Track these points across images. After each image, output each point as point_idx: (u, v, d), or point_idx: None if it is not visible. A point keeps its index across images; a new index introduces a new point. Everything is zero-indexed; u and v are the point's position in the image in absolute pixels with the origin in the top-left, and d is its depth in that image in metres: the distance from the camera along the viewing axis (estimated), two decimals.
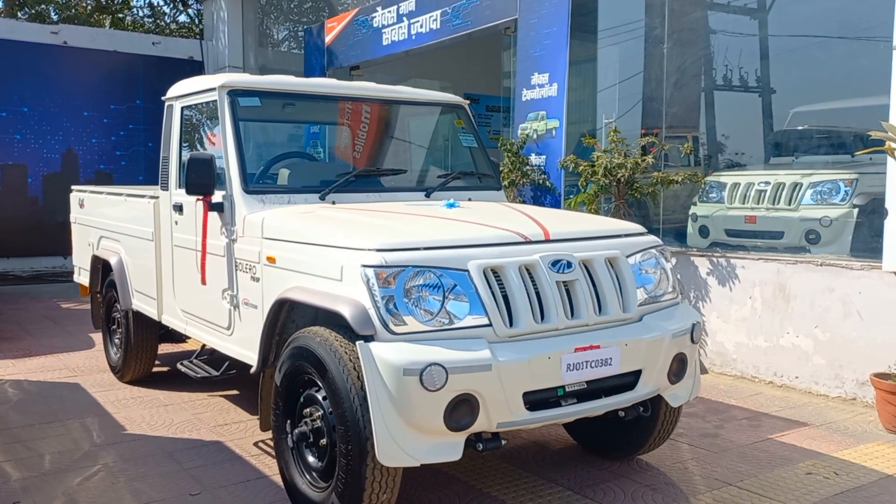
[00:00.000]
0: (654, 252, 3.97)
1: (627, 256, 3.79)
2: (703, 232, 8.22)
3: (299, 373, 3.50)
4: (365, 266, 3.20)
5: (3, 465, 4.38)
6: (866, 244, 6.76)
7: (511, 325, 3.31)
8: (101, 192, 6.65)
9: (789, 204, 7.63)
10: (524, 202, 8.12)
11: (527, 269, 3.43)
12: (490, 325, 3.26)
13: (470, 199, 4.75)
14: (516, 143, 7.89)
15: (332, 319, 3.38)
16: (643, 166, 6.64)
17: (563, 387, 3.41)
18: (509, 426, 3.28)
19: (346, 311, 3.18)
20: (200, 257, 4.51)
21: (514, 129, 8.33)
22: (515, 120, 8.32)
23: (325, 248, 3.51)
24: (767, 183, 7.90)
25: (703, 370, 6.51)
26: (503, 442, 3.38)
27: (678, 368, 3.82)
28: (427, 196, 4.69)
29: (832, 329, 5.70)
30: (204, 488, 4.03)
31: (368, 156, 5.29)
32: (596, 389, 3.53)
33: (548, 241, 3.66)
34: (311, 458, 3.53)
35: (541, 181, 7.81)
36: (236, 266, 4.24)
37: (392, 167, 4.90)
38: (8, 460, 4.45)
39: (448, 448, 3.18)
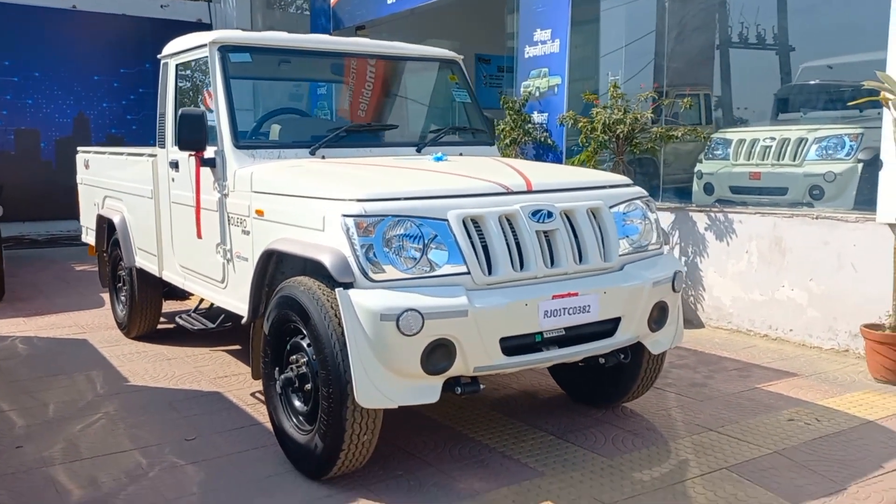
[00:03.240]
0: (638, 203, 4.01)
1: (611, 207, 3.83)
2: (708, 189, 8.21)
3: (285, 321, 3.60)
4: (345, 216, 3.28)
5: (9, 413, 4.55)
6: (870, 198, 6.74)
7: (490, 273, 3.38)
8: (104, 153, 6.75)
9: (794, 160, 7.59)
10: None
11: (507, 219, 3.50)
12: (468, 272, 3.33)
13: (461, 154, 4.81)
14: (518, 100, 7.89)
15: (315, 269, 3.47)
16: (642, 122, 6.63)
17: (540, 333, 3.49)
18: (486, 370, 3.37)
19: (327, 260, 3.27)
20: (195, 213, 4.60)
21: (517, 86, 8.33)
22: (518, 78, 8.31)
23: (308, 200, 3.59)
24: (773, 139, 7.86)
25: (700, 324, 6.59)
26: (482, 386, 3.47)
27: (659, 316, 3.88)
28: (418, 151, 4.74)
29: (826, 282, 5.73)
30: (200, 434, 4.17)
31: (361, 112, 5.34)
32: (574, 336, 3.60)
33: (530, 192, 3.71)
34: (297, 403, 3.65)
35: (542, 139, 7.83)
36: (228, 220, 4.33)
37: (384, 123, 4.95)
38: (13, 409, 4.62)
39: (426, 391, 3.28)
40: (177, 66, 5.03)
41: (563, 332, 3.56)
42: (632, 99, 6.86)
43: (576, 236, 3.65)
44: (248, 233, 4.13)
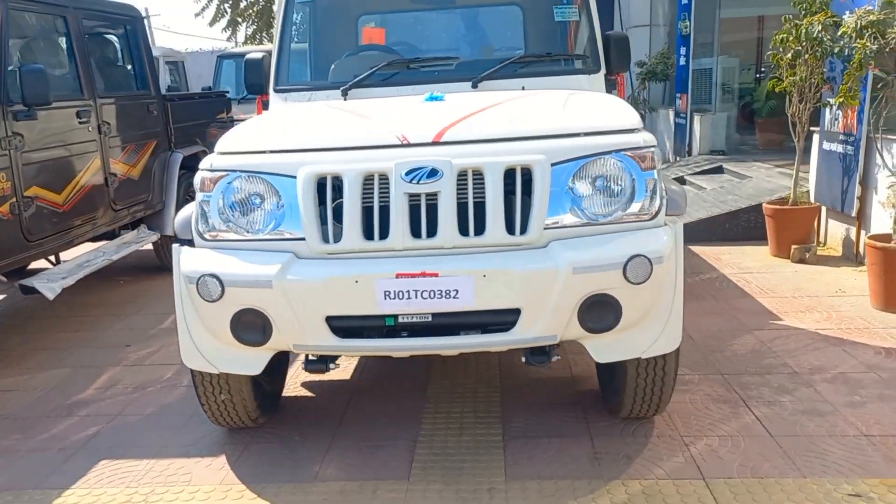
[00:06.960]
0: (611, 160, 2.94)
1: (556, 164, 2.91)
2: None
3: None
4: (200, 169, 3.17)
5: (136, 317, 5.48)
6: None
7: (336, 241, 2.92)
8: None
9: None
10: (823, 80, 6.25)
11: (381, 178, 2.94)
12: (304, 238, 2.94)
13: (523, 88, 4.05)
14: None
15: None
16: None
17: (393, 316, 2.91)
18: (311, 350, 2.98)
19: (178, 216, 3.24)
20: None
21: None
22: None
23: None
24: None
25: None
26: (331, 366, 3.09)
27: (597, 313, 2.85)
28: (474, 87, 4.13)
29: None
30: None
31: (438, 44, 4.77)
32: (449, 325, 2.91)
33: (435, 143, 3.01)
34: None
35: (838, 52, 5.92)
36: None
37: (449, 55, 4.37)
38: (150, 314, 5.53)
39: (248, 360, 3.07)
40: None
41: (430, 319, 2.90)
42: None
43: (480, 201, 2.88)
44: None
